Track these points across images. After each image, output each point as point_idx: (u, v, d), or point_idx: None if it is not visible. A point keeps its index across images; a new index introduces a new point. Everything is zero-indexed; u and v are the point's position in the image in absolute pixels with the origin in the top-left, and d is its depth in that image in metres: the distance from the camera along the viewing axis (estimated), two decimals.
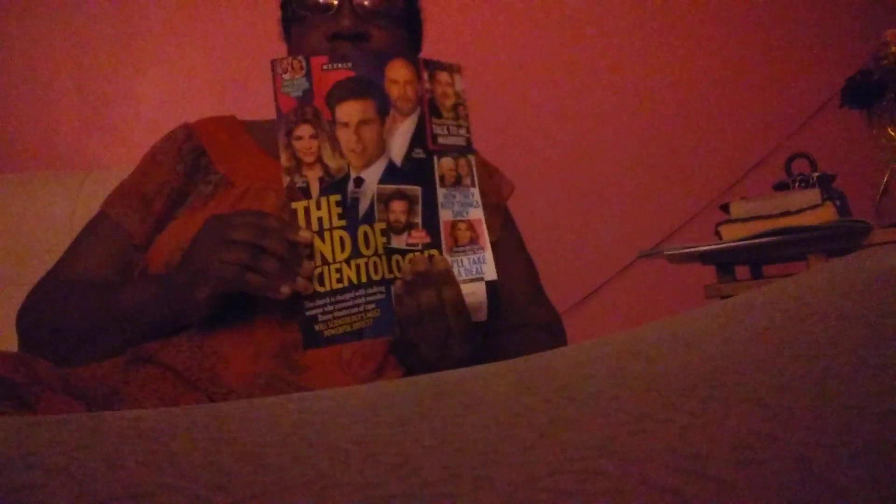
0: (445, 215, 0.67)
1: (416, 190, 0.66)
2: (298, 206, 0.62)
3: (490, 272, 0.67)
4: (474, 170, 0.69)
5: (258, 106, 0.95)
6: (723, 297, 1.09)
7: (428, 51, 1.61)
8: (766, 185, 1.29)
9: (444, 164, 0.67)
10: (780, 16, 1.71)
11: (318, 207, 0.63)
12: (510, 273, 0.87)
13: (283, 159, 0.62)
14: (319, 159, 0.63)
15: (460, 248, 0.67)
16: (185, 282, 0.66)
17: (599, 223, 1.62)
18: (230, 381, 0.63)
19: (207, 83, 1.57)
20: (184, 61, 1.58)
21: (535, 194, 1.59)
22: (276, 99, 0.62)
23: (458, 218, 0.67)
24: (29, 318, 0.77)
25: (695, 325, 0.32)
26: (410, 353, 0.66)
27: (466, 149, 0.69)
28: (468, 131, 0.69)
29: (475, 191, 0.68)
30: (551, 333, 0.88)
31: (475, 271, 0.67)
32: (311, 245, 0.62)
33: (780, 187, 1.20)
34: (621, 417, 0.22)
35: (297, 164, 0.63)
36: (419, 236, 0.65)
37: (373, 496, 0.19)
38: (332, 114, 0.64)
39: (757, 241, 1.03)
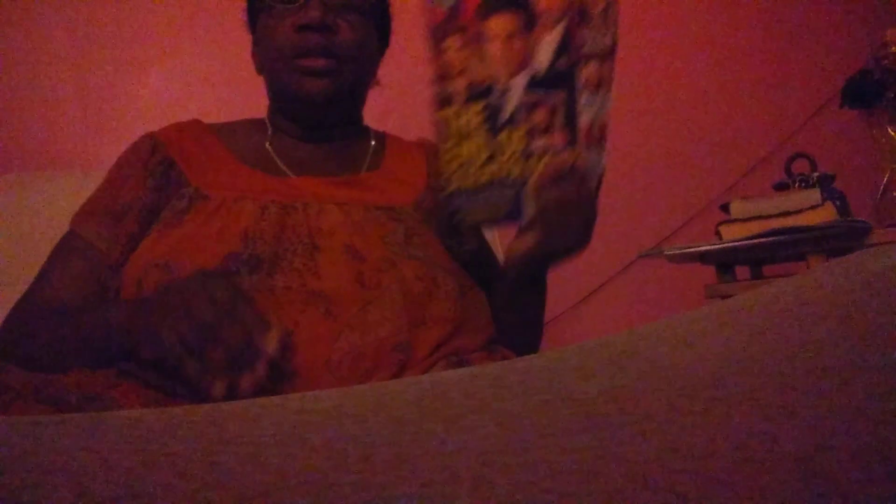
0: (584, 120, 0.70)
1: (559, 96, 0.69)
2: (443, 114, 0.66)
3: (603, 168, 0.74)
4: (614, 73, 0.71)
5: (258, 105, 0.94)
6: (723, 297, 1.09)
7: (422, 48, 1.61)
8: (766, 185, 1.29)
9: (587, 70, 0.69)
10: (780, 16, 1.71)
11: (462, 115, 0.67)
12: (484, 248, 0.92)
13: (432, 70, 0.65)
14: (466, 70, 0.66)
15: (592, 148, 0.72)
16: (134, 332, 0.63)
17: (599, 223, 1.62)
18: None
19: (207, 83, 1.57)
20: (184, 61, 1.58)
21: None
22: (425, 11, 0.65)
23: (594, 120, 0.71)
24: (2, 349, 0.73)
25: (695, 325, 0.32)
26: (528, 241, 0.71)
27: (611, 51, 0.71)
28: (615, 34, 0.71)
29: (611, 94, 0.72)
30: None
31: (599, 170, 0.75)
32: (272, 362, 0.57)
33: (780, 187, 1.21)
34: (621, 417, 0.22)
35: (445, 75, 0.66)
36: (559, 139, 0.69)
37: (373, 496, 0.19)
38: (481, 26, 0.66)
39: (757, 241, 1.03)
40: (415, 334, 0.69)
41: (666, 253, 1.11)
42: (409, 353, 0.67)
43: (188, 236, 0.72)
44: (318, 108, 0.85)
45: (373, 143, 0.94)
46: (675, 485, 0.18)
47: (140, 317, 0.64)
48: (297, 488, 0.20)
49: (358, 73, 0.86)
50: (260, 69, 0.91)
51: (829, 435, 0.19)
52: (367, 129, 0.96)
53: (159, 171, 0.83)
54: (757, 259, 1.19)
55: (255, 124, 0.92)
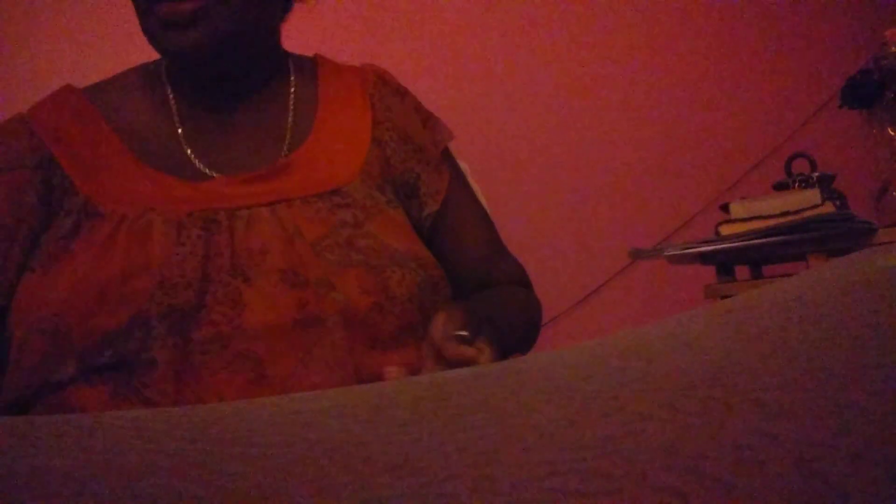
0: None
1: None
2: None
3: None
4: None
5: None
6: (723, 297, 1.09)
7: (423, 48, 1.61)
8: (766, 185, 1.29)
9: None
10: (781, 16, 1.71)
11: None
12: (470, 230, 0.76)
13: None
14: None
15: None
16: None
17: (599, 223, 1.62)
18: None
19: None
20: None
21: (535, 194, 1.59)
22: None
23: None
24: None
25: (695, 325, 0.32)
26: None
27: None
28: None
29: None
30: (523, 286, 0.80)
31: None
32: None
33: (780, 187, 1.21)
34: (621, 417, 0.22)
35: None
36: None
37: (373, 496, 0.19)
38: None
39: (757, 241, 1.03)
40: (368, 369, 0.56)
41: (666, 253, 1.11)
42: None
43: (82, 280, 0.54)
44: (194, 67, 0.66)
45: (293, 90, 0.72)
46: (675, 485, 0.18)
47: None
48: (297, 488, 0.20)
49: (246, 8, 0.63)
50: None
51: (829, 435, 0.19)
52: (287, 70, 0.73)
53: (39, 178, 0.62)
54: (757, 259, 1.19)
55: (148, 84, 0.72)
